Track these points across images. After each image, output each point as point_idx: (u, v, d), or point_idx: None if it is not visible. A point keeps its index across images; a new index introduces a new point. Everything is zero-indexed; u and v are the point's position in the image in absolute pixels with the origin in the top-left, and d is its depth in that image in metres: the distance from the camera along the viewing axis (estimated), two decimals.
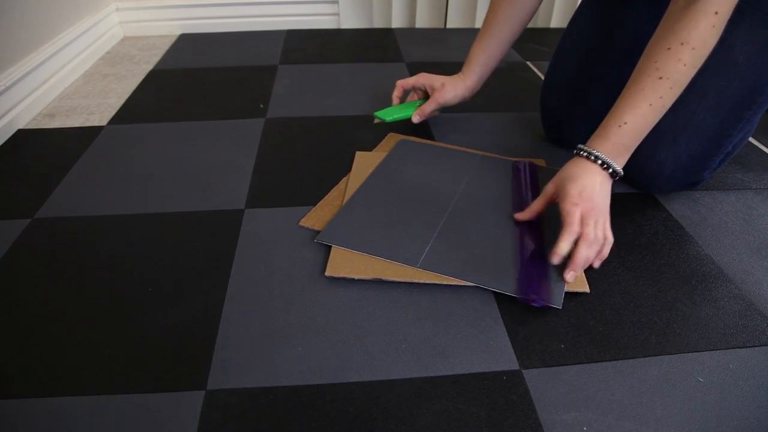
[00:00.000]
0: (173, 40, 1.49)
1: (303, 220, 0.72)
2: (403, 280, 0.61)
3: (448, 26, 1.59)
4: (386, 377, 0.51)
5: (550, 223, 0.67)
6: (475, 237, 0.67)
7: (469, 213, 0.72)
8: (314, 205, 0.75)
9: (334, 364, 0.52)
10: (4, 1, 1.00)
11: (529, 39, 1.47)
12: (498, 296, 0.60)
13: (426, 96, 0.94)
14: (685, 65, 0.58)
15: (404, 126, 0.95)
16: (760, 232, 0.71)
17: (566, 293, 0.60)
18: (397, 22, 1.59)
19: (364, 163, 0.84)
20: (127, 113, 1.05)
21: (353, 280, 0.62)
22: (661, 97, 0.59)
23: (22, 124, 1.00)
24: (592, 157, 0.62)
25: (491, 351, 0.54)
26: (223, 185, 0.81)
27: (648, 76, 0.59)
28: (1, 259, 0.66)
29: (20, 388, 0.50)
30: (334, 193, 0.77)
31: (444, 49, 1.41)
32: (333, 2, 1.56)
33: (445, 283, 0.61)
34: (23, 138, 0.96)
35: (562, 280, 0.59)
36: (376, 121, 0.93)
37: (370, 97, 1.11)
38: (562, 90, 0.87)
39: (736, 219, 0.74)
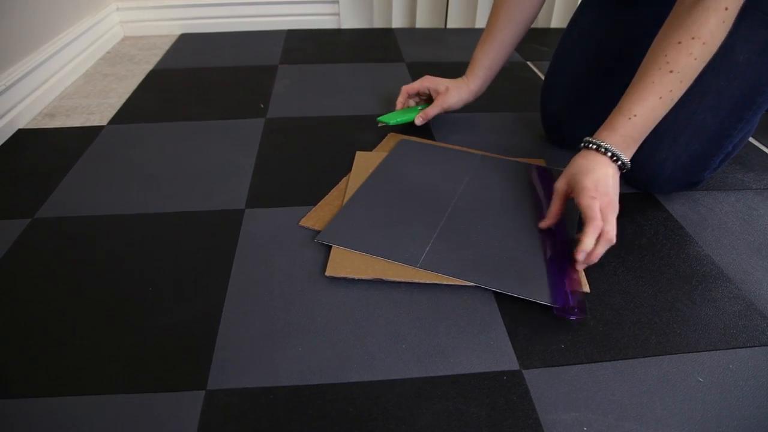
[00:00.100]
0: (173, 39, 1.49)
1: (303, 220, 0.72)
2: (403, 280, 0.61)
3: (448, 26, 1.59)
4: (386, 377, 0.51)
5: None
6: (475, 237, 0.67)
7: (469, 213, 0.72)
8: (314, 205, 0.75)
9: (334, 364, 0.52)
10: (4, 1, 1.00)
11: (530, 39, 1.47)
12: (498, 296, 0.60)
13: (429, 98, 0.94)
14: (695, 59, 0.58)
15: (405, 126, 0.95)
16: (760, 232, 0.71)
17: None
18: (397, 22, 1.59)
19: (365, 163, 0.84)
20: (128, 113, 1.05)
21: (353, 280, 0.62)
22: (671, 91, 0.59)
23: (22, 124, 1.00)
24: (602, 149, 0.62)
25: (491, 351, 0.54)
26: (223, 185, 0.81)
27: (658, 70, 0.59)
28: (1, 259, 0.66)
29: (20, 388, 0.50)
30: (335, 193, 0.77)
31: (444, 49, 1.41)
32: (333, 2, 1.56)
33: (445, 283, 0.61)
34: (23, 138, 0.96)
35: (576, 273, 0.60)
36: (380, 125, 0.94)
37: (371, 97, 1.11)
38: (563, 90, 0.87)
39: (736, 219, 0.74)
